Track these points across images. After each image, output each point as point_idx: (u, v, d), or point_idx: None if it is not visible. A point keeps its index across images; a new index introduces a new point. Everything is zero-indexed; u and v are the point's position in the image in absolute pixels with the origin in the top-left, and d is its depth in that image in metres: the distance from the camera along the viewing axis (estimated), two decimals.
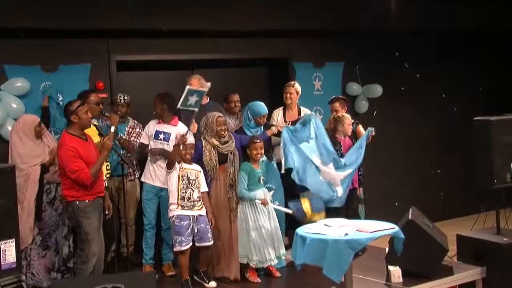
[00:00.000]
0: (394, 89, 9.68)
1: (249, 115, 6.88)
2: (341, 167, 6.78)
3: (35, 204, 6.25)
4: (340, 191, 6.77)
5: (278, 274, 6.53)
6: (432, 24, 9.55)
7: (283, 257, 6.60)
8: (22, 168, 6.19)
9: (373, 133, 7.01)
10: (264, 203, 6.38)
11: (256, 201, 6.36)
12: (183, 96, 6.23)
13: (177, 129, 6.74)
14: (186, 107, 6.32)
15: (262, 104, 6.95)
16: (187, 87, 6.35)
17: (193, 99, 6.30)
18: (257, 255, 6.38)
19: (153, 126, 6.79)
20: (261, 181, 6.44)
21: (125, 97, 6.99)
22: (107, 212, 6.05)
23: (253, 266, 6.41)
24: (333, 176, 6.76)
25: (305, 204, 6.40)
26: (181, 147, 6.15)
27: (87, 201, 5.71)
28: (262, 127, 6.96)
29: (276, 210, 6.59)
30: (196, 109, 6.38)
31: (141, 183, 6.91)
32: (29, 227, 6.22)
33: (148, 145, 6.77)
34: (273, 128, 6.92)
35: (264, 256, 6.38)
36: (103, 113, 6.52)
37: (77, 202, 5.70)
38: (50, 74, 7.19)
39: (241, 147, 6.61)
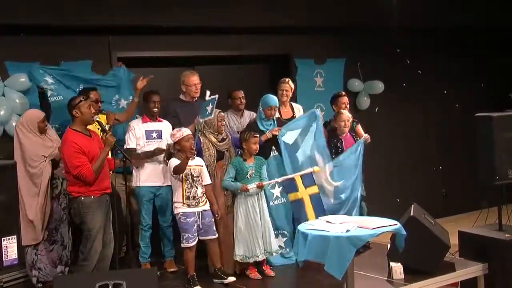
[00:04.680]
0: (395, 85, 9.67)
1: (261, 108, 6.90)
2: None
3: (47, 200, 6.26)
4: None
5: (271, 273, 6.52)
6: (433, 21, 9.54)
7: (274, 254, 6.59)
8: (34, 161, 6.20)
9: (369, 141, 7.11)
10: (244, 189, 6.37)
11: (237, 186, 6.38)
12: (202, 110, 6.38)
13: (164, 125, 6.79)
14: (206, 117, 6.45)
15: (272, 96, 6.96)
16: (207, 95, 6.45)
17: (209, 108, 6.38)
18: (243, 250, 6.39)
19: (138, 127, 6.74)
20: (249, 176, 6.44)
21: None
22: None
23: (239, 261, 6.42)
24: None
25: (298, 181, 6.44)
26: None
27: (92, 197, 5.71)
28: (275, 121, 6.96)
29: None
30: (211, 116, 6.48)
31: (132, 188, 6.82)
32: (44, 222, 6.24)
33: (135, 149, 6.69)
34: (267, 133, 6.88)
35: (251, 251, 6.39)
36: (101, 111, 6.52)
37: (82, 198, 5.70)
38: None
39: (236, 146, 6.70)
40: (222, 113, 6.64)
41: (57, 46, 7.23)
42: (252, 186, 6.41)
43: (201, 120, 6.43)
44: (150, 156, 6.66)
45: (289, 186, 6.71)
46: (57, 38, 7.22)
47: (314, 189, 6.63)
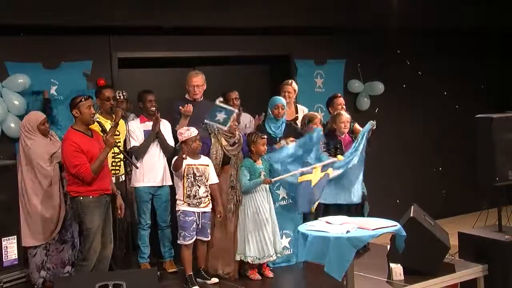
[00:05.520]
0: (395, 86, 9.67)
1: (269, 110, 6.89)
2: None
3: (61, 199, 6.29)
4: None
5: (270, 274, 6.50)
6: (433, 22, 9.54)
7: (281, 254, 6.58)
8: (45, 160, 6.25)
9: (375, 127, 6.88)
10: (268, 182, 6.34)
11: (258, 181, 6.34)
12: (211, 114, 6.33)
13: (163, 123, 6.77)
14: (214, 122, 6.39)
15: (279, 97, 7.00)
16: (217, 101, 6.40)
17: (221, 116, 6.33)
18: (254, 251, 6.37)
19: (137, 127, 6.73)
20: (262, 176, 6.43)
21: (123, 93, 6.99)
22: (119, 212, 6.03)
23: (251, 262, 6.40)
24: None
25: (316, 170, 6.32)
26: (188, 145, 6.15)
27: (91, 197, 5.71)
28: (284, 122, 6.93)
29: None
30: (225, 128, 6.40)
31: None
32: (59, 221, 6.29)
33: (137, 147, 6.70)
34: (282, 141, 6.84)
35: (263, 252, 6.37)
36: (113, 109, 6.51)
37: (81, 198, 5.70)
38: (51, 70, 7.18)
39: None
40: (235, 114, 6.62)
41: (57, 46, 7.23)
42: (276, 179, 6.40)
43: (206, 121, 6.37)
44: (150, 140, 6.64)
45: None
46: (57, 38, 7.22)
47: (328, 171, 6.46)
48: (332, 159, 6.42)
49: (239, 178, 6.41)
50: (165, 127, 6.79)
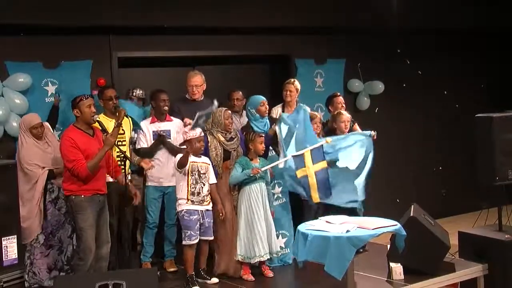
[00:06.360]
0: (395, 86, 9.67)
1: (250, 110, 6.88)
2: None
3: (41, 202, 6.28)
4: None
5: (270, 274, 6.48)
6: (433, 21, 9.55)
7: (275, 255, 6.55)
8: (29, 164, 6.25)
9: (375, 137, 6.77)
10: (256, 172, 6.31)
11: (247, 171, 6.32)
12: (193, 122, 6.38)
13: (174, 124, 6.76)
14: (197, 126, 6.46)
15: (258, 95, 6.96)
16: (198, 113, 6.43)
17: (201, 121, 6.39)
18: (246, 250, 6.36)
19: (146, 128, 6.74)
20: (258, 176, 6.41)
21: (140, 91, 7.08)
22: (134, 199, 6.12)
23: (240, 260, 6.39)
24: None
25: (307, 157, 6.32)
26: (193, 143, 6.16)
27: (82, 196, 5.71)
28: (267, 119, 6.93)
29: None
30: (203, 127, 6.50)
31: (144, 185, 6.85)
32: (36, 224, 6.27)
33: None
34: (273, 126, 6.84)
35: (253, 251, 6.35)
36: (117, 108, 6.51)
37: (73, 197, 5.72)
38: (51, 70, 7.18)
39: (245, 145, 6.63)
40: (229, 112, 6.60)
41: (57, 46, 7.24)
42: (265, 168, 6.38)
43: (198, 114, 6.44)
44: (155, 148, 6.69)
45: (298, 162, 6.41)
46: (57, 38, 7.23)
47: (322, 164, 6.41)
48: (320, 143, 6.38)
49: (231, 172, 6.41)
50: (177, 126, 6.77)
